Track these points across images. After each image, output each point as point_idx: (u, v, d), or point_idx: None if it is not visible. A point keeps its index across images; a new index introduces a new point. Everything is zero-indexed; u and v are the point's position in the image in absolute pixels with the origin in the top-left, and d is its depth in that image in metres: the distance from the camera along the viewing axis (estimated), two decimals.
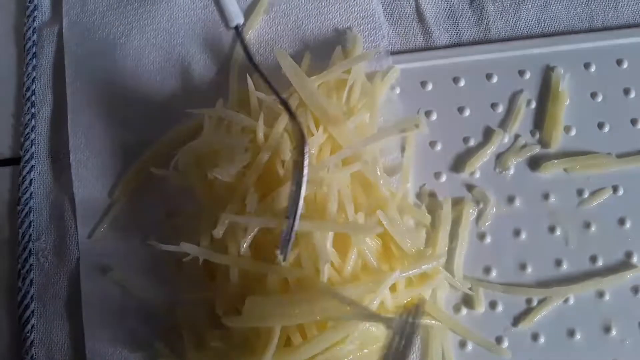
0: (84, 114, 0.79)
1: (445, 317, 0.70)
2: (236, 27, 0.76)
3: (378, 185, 0.70)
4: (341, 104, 0.74)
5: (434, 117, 0.77)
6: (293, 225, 0.63)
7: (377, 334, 0.66)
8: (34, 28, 0.82)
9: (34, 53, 0.81)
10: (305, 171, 0.63)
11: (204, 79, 0.79)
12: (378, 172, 0.71)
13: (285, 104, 0.69)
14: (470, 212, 0.74)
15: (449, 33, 0.81)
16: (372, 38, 0.79)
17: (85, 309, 0.74)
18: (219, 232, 0.67)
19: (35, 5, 0.83)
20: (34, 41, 0.82)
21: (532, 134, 0.76)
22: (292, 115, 0.67)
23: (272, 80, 0.74)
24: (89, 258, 0.75)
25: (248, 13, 0.81)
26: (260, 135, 0.70)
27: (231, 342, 0.67)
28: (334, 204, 0.67)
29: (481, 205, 0.74)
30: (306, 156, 0.64)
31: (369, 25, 0.80)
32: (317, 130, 0.71)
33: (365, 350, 0.66)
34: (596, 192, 0.74)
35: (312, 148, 0.69)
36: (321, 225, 0.65)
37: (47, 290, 0.75)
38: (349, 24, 0.80)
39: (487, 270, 0.73)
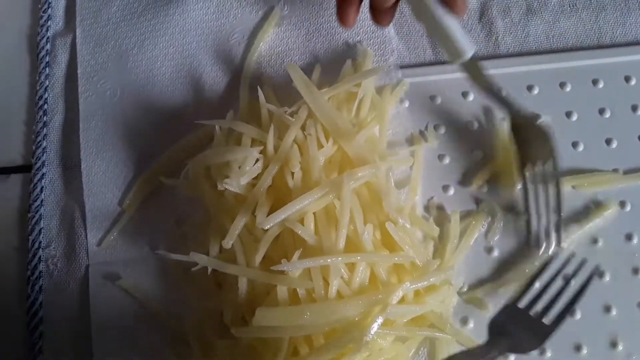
0: (96, 123, 0.79)
1: (452, 329, 0.70)
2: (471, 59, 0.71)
3: (389, 197, 0.70)
4: (351, 117, 0.74)
5: (442, 130, 0.77)
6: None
7: (384, 345, 0.67)
8: (48, 37, 0.83)
9: (47, 62, 0.82)
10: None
11: (214, 90, 0.80)
12: (390, 184, 0.71)
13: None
14: (481, 223, 0.74)
15: None
16: (381, 52, 0.80)
17: (93, 317, 0.74)
18: (228, 242, 0.67)
19: (49, 16, 0.84)
20: (47, 50, 0.83)
21: None
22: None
23: (282, 93, 0.75)
24: (98, 266, 0.75)
25: (259, 25, 0.82)
26: (270, 147, 0.70)
27: (239, 352, 0.67)
28: (345, 216, 0.67)
29: (489, 219, 0.75)
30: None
31: (379, 39, 0.80)
32: (327, 142, 0.71)
33: None
34: (603, 208, 0.74)
35: (321, 160, 0.70)
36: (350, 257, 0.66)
37: (56, 297, 0.76)
38: (359, 37, 0.81)
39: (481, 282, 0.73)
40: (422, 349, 0.71)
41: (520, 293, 0.70)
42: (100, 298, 0.74)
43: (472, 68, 0.72)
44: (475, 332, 0.71)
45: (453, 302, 0.72)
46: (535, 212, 0.72)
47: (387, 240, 0.69)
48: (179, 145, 0.77)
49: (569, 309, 0.68)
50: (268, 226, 0.66)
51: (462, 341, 0.70)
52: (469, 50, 0.69)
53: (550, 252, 0.71)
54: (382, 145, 0.75)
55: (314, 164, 0.69)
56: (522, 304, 0.69)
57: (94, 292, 0.75)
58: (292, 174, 0.69)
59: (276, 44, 0.82)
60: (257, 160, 0.71)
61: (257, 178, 0.70)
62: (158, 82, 0.80)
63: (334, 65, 0.79)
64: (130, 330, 0.73)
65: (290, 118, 0.71)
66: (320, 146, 0.71)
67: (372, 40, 0.80)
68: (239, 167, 0.70)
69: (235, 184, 0.69)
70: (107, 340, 0.73)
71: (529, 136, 0.73)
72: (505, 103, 0.73)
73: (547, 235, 0.72)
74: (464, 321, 0.72)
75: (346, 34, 0.81)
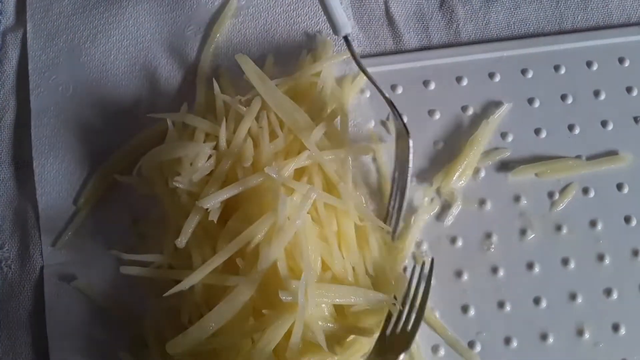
0: (48, 120, 0.77)
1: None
2: (345, 37, 0.73)
3: (345, 186, 0.70)
4: (310, 108, 0.73)
5: (404, 119, 0.76)
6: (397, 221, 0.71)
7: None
8: None
9: None
10: (410, 165, 0.70)
11: (170, 84, 0.79)
12: (348, 171, 0.71)
13: (391, 104, 0.71)
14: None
15: (419, 36, 0.80)
16: (341, 41, 0.78)
17: (49, 318, 0.72)
18: (181, 241, 0.66)
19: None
20: None
21: (503, 136, 0.76)
22: (394, 109, 0.71)
23: (240, 86, 0.73)
24: (53, 267, 0.74)
25: (216, 16, 0.80)
26: (223, 141, 0.69)
27: (197, 352, 0.66)
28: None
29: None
30: (410, 151, 0.70)
31: None
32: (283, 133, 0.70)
33: None
34: (566, 195, 0.74)
35: (274, 150, 0.69)
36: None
37: (10, 300, 0.74)
38: (318, 27, 0.79)
39: (459, 273, 0.72)
40: None
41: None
42: (55, 299, 0.73)
43: (350, 49, 0.73)
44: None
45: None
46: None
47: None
48: (133, 141, 0.76)
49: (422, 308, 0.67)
50: (207, 205, 0.65)
51: None
52: (343, 28, 0.72)
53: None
54: (343, 137, 0.74)
55: (263, 155, 0.68)
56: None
57: (49, 294, 0.73)
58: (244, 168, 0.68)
59: (233, 35, 0.80)
60: (210, 156, 0.69)
61: (210, 174, 0.69)
62: (112, 76, 0.78)
63: (293, 57, 0.78)
64: (87, 332, 0.72)
65: (242, 108, 0.70)
66: (275, 136, 0.70)
67: (331, 30, 0.79)
68: (191, 164, 0.68)
69: (186, 181, 0.67)
70: (63, 342, 0.72)
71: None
72: (384, 97, 0.73)
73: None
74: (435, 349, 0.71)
75: (305, 24, 0.80)
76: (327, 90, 0.75)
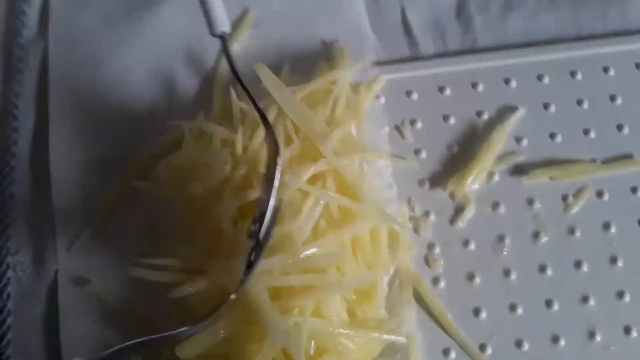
0: (66, 127, 0.79)
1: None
2: (221, 36, 0.75)
3: (361, 187, 0.70)
4: (325, 115, 0.74)
5: (419, 125, 0.77)
6: (265, 238, 0.63)
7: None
8: (20, 44, 0.83)
9: (20, 69, 0.82)
10: (276, 183, 0.64)
11: (189, 93, 0.80)
12: (364, 175, 0.72)
13: (260, 111, 0.68)
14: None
15: (436, 44, 0.81)
16: (358, 50, 0.79)
17: (62, 323, 0.73)
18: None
19: (22, 22, 0.84)
20: (18, 57, 0.82)
21: (517, 141, 0.76)
22: (266, 123, 0.67)
23: (257, 94, 0.74)
24: (68, 271, 0.75)
25: (235, 26, 0.82)
26: (239, 147, 0.70)
27: (207, 356, 0.66)
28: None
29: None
30: (278, 167, 0.64)
31: (356, 37, 0.80)
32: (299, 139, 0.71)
33: None
34: (581, 198, 0.73)
35: (289, 156, 0.70)
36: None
37: (24, 304, 0.74)
38: (335, 36, 0.81)
39: (471, 277, 0.72)
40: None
41: None
42: (69, 303, 0.73)
43: (226, 50, 0.74)
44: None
45: None
46: None
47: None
48: (150, 148, 0.77)
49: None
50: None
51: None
52: (219, 27, 0.74)
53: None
54: (359, 142, 0.74)
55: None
56: None
57: (63, 297, 0.73)
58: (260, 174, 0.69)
59: (251, 44, 0.82)
60: (227, 162, 0.70)
61: (226, 180, 0.69)
62: (131, 85, 0.80)
63: (309, 65, 0.79)
64: (101, 336, 0.72)
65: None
66: (291, 143, 0.71)
67: (349, 39, 0.80)
68: (208, 170, 0.70)
69: (202, 187, 0.69)
70: (76, 347, 0.72)
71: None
72: (255, 105, 0.71)
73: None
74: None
75: (322, 33, 0.81)
76: (343, 97, 0.75)
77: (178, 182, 0.72)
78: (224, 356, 0.65)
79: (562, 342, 0.69)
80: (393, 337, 0.68)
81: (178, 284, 0.68)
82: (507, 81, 0.78)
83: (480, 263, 0.72)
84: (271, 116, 0.71)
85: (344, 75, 0.76)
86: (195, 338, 0.64)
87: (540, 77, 0.78)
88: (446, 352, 0.70)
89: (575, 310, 0.70)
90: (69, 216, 0.76)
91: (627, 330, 0.69)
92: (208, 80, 0.80)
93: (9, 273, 0.75)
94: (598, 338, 0.69)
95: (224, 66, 0.80)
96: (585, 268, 0.71)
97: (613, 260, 0.71)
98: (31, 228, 0.77)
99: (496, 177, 0.75)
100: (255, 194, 0.67)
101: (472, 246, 0.73)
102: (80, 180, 0.77)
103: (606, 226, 0.73)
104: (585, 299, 0.70)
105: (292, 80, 0.77)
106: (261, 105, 0.71)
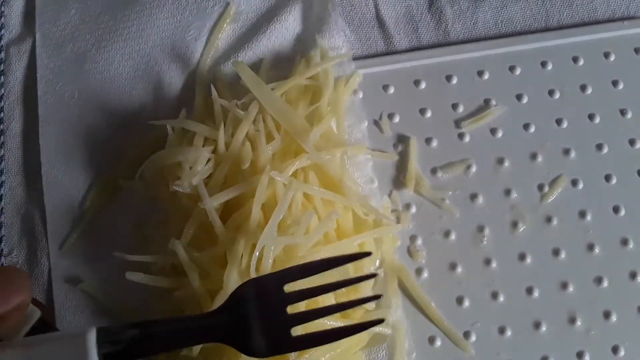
0: (55, 127, 0.79)
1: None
2: None
3: (343, 182, 0.72)
4: (306, 111, 0.75)
5: (396, 119, 0.78)
6: None
7: None
8: (2, 46, 0.83)
9: (2, 71, 0.82)
10: None
11: (172, 89, 0.80)
12: (345, 168, 0.73)
13: None
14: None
15: (409, 37, 0.82)
16: (333, 44, 0.80)
17: (57, 320, 0.74)
18: (175, 244, 0.68)
19: (2, 24, 0.84)
20: (1, 59, 0.82)
21: (493, 133, 0.78)
22: None
23: (236, 89, 0.76)
24: (61, 270, 0.75)
25: (216, 21, 0.82)
26: (222, 145, 0.71)
27: (203, 351, 0.67)
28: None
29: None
30: None
31: (330, 32, 0.81)
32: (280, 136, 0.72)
33: None
34: (556, 187, 0.76)
35: (269, 150, 0.71)
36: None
37: None
38: (311, 31, 0.81)
39: (453, 266, 0.74)
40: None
41: None
42: (63, 301, 0.74)
43: None
44: None
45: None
46: None
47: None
48: (136, 146, 0.78)
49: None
50: (209, 206, 0.67)
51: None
52: None
53: None
54: (339, 137, 0.76)
55: (261, 157, 0.70)
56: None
57: (57, 296, 0.75)
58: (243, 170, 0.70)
59: (232, 39, 0.82)
60: (209, 160, 0.71)
61: (210, 177, 0.71)
62: (116, 82, 0.80)
63: (289, 60, 0.80)
64: None
65: (240, 112, 0.72)
66: (272, 138, 0.72)
67: (324, 34, 0.80)
68: (190, 168, 0.70)
69: (186, 185, 0.70)
70: None
71: None
72: None
73: None
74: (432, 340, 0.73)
75: (298, 28, 0.82)
76: (327, 92, 0.76)
77: (163, 179, 0.73)
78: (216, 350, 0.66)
79: (544, 328, 0.72)
80: (379, 329, 0.70)
81: (171, 289, 0.70)
82: (480, 73, 0.80)
83: (461, 253, 0.74)
84: (252, 113, 0.72)
85: (328, 70, 0.77)
86: None
87: (512, 69, 0.80)
88: (432, 340, 0.72)
89: (555, 296, 0.73)
90: (61, 215, 0.77)
91: (606, 314, 0.72)
92: (191, 77, 0.81)
93: None
94: (578, 323, 0.72)
95: (206, 62, 0.81)
96: (563, 255, 0.73)
97: (590, 247, 0.74)
98: (23, 229, 0.78)
99: (473, 169, 0.77)
100: (238, 190, 0.69)
101: (452, 237, 0.75)
102: (70, 179, 0.78)
103: (582, 214, 0.75)
104: (564, 286, 0.73)
105: (271, 75, 0.79)
106: (241, 101, 0.73)
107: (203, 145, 0.72)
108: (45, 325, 0.59)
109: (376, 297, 0.63)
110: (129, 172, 0.76)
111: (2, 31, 0.83)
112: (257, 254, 0.64)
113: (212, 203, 0.68)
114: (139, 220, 0.76)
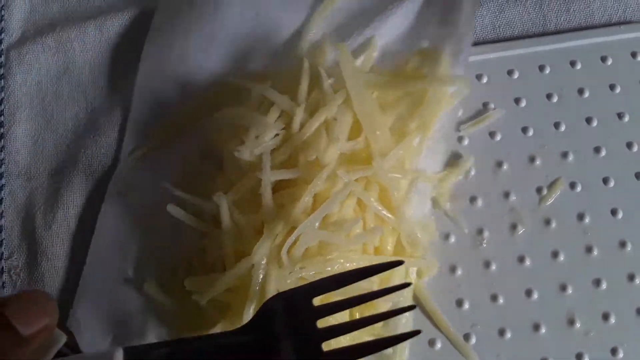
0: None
1: None
2: None
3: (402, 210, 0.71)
4: (393, 117, 0.73)
5: None
6: None
7: None
8: (1, 50, 0.83)
9: (2, 75, 0.82)
10: None
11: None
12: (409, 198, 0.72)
13: None
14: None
15: None
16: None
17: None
18: (220, 198, 0.68)
19: (2, 28, 0.84)
20: (1, 63, 0.83)
21: (492, 136, 0.78)
22: None
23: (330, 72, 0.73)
24: (118, 181, 0.76)
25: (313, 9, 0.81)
26: (297, 123, 0.70)
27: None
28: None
29: None
30: None
31: (459, 38, 0.79)
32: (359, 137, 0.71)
33: None
34: (555, 190, 0.76)
35: (340, 151, 0.70)
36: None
37: None
38: (431, 30, 0.80)
39: (453, 269, 0.74)
40: None
41: None
42: (107, 212, 0.76)
43: None
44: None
45: None
46: None
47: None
48: (191, 101, 0.78)
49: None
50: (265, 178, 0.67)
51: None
52: None
53: None
54: (417, 158, 0.74)
55: (328, 153, 0.68)
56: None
57: (105, 206, 0.76)
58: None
59: (342, 17, 0.81)
60: (277, 134, 0.70)
61: (273, 150, 0.70)
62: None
63: (397, 56, 0.79)
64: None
65: (331, 92, 0.70)
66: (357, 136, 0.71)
67: (450, 39, 0.79)
68: (257, 137, 0.69)
69: (248, 153, 0.69)
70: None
71: None
72: None
73: None
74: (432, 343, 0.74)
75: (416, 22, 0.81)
76: (432, 109, 0.74)
77: (226, 136, 0.73)
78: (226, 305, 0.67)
79: (543, 330, 0.72)
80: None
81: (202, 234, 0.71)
82: (478, 77, 0.80)
83: (461, 256, 0.75)
84: (337, 101, 0.70)
85: (440, 93, 0.75)
86: (202, 279, 0.67)
87: (510, 73, 0.80)
88: (432, 342, 0.72)
89: (555, 298, 0.73)
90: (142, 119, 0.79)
91: (605, 316, 0.72)
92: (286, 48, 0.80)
93: (4, 277, 0.76)
94: (577, 325, 0.72)
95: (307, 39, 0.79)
96: (562, 257, 0.74)
97: (588, 249, 0.74)
98: (23, 232, 0.78)
99: (472, 172, 0.77)
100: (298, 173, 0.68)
101: (452, 239, 0.75)
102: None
103: (580, 217, 0.75)
104: (563, 288, 0.73)
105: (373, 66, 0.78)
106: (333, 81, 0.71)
107: (277, 119, 0.71)
108: (72, 350, 0.59)
109: (411, 308, 0.60)
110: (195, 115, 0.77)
111: (2, 35, 0.84)
112: (294, 238, 0.64)
113: (271, 178, 0.67)
114: (188, 171, 0.76)
